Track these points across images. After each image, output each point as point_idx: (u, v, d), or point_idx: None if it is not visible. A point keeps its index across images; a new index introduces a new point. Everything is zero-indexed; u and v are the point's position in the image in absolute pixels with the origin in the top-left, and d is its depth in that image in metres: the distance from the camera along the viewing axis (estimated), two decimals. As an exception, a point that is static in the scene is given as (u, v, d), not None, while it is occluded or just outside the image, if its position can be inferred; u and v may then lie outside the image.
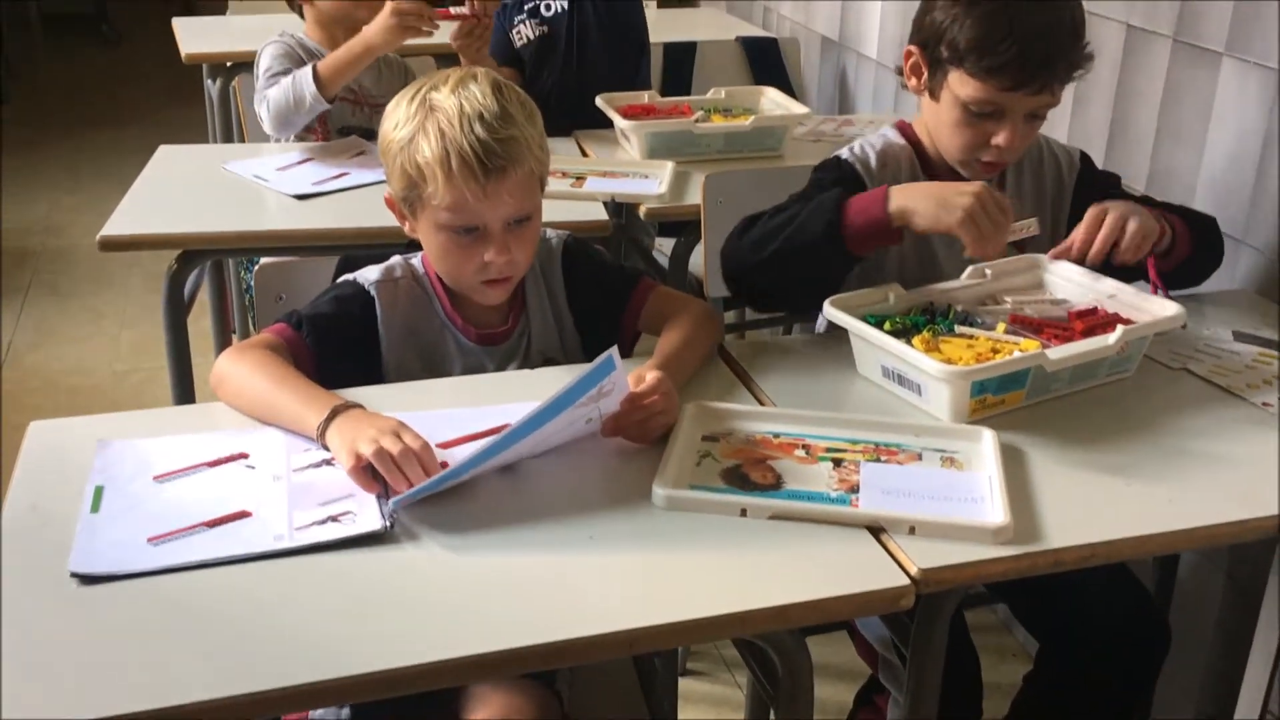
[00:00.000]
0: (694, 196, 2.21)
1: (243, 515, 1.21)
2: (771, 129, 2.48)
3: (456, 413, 1.41)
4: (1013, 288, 1.64)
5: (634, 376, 1.36)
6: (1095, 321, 1.53)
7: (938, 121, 1.65)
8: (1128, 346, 1.49)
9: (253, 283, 2.01)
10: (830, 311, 1.51)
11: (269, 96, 2.34)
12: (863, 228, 1.51)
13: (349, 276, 1.55)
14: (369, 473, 1.24)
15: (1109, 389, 1.52)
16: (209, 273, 2.64)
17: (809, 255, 1.54)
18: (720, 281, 2.13)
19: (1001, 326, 1.52)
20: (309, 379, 1.39)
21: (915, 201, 1.50)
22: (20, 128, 5.72)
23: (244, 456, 1.32)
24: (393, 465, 1.22)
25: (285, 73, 2.37)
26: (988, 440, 1.36)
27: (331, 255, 1.71)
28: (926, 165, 1.72)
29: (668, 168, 2.33)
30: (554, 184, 2.16)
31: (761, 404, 1.48)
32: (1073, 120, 2.26)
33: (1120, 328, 1.47)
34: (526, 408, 1.41)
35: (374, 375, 1.51)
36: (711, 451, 1.35)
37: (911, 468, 1.33)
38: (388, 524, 1.19)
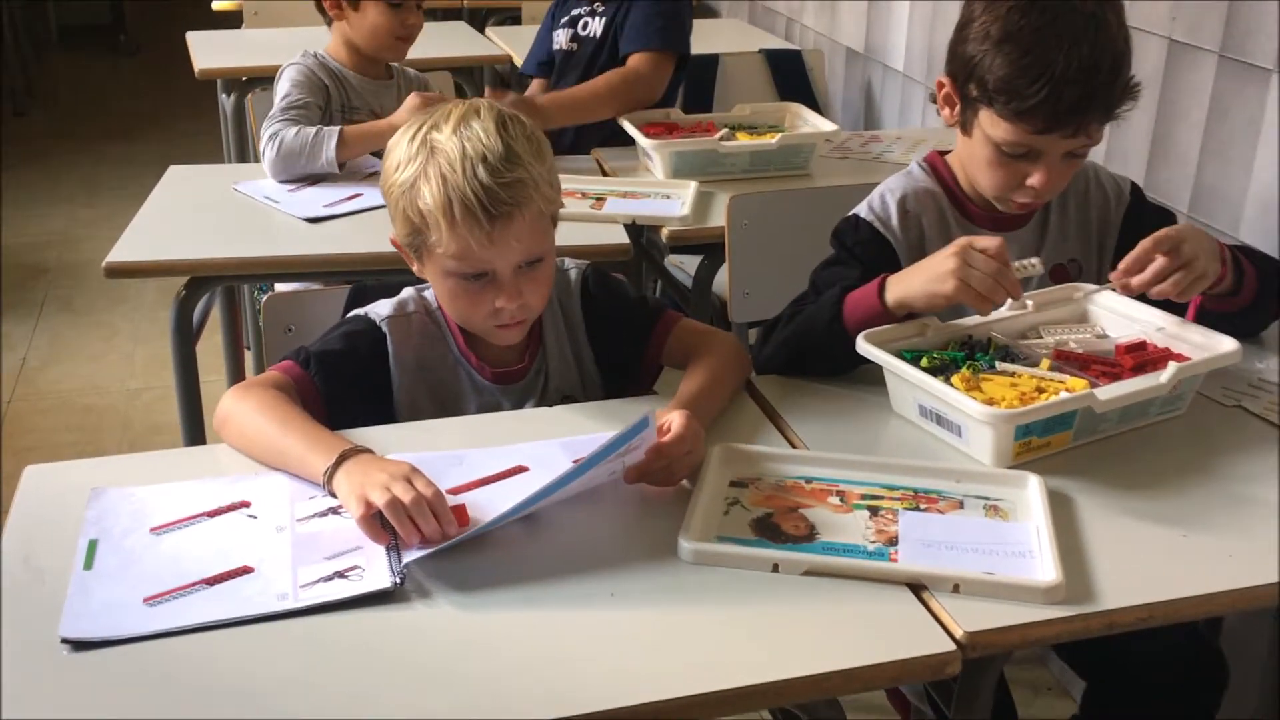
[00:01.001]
0: (718, 218, 2.14)
1: (244, 571, 1.14)
2: (798, 147, 2.40)
3: (469, 453, 1.34)
4: (1055, 319, 1.56)
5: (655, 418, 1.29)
6: (1145, 357, 1.45)
7: (971, 157, 1.56)
8: (1180, 384, 1.41)
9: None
10: (864, 347, 1.43)
11: (283, 139, 2.24)
12: (863, 322, 1.47)
13: (360, 311, 1.48)
14: (379, 522, 1.17)
15: (1159, 428, 1.44)
16: (220, 295, 2.58)
17: (826, 356, 1.52)
18: (744, 308, 2.09)
19: (1045, 363, 1.44)
20: (316, 420, 1.33)
21: (907, 289, 1.45)
22: (38, 140, 5.69)
23: (246, 505, 1.25)
24: (404, 516, 1.15)
25: (302, 105, 2.31)
26: (1034, 486, 1.28)
27: (343, 282, 1.64)
28: (959, 203, 1.63)
29: (691, 188, 2.25)
30: (573, 205, 2.10)
31: (792, 445, 1.41)
32: (1111, 139, 2.18)
33: (1172, 364, 1.39)
34: (543, 447, 1.35)
35: (385, 414, 1.45)
36: (740, 499, 1.28)
37: (953, 517, 1.25)
38: (398, 580, 1.12)
